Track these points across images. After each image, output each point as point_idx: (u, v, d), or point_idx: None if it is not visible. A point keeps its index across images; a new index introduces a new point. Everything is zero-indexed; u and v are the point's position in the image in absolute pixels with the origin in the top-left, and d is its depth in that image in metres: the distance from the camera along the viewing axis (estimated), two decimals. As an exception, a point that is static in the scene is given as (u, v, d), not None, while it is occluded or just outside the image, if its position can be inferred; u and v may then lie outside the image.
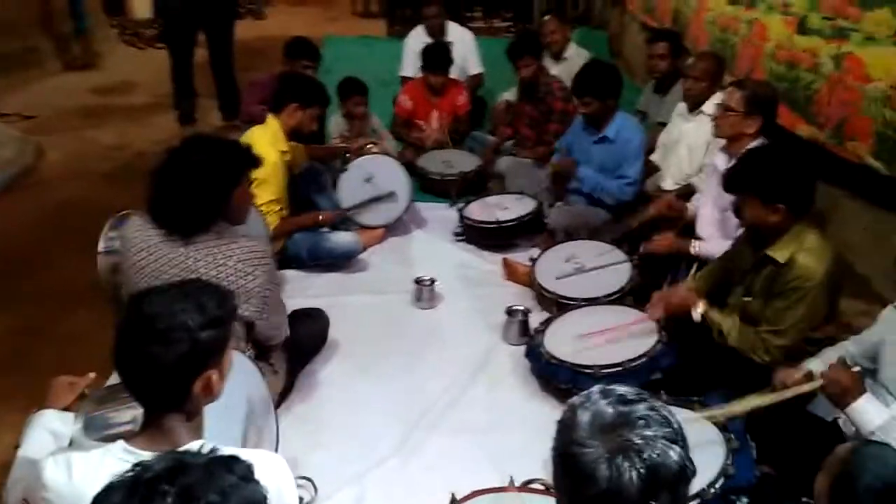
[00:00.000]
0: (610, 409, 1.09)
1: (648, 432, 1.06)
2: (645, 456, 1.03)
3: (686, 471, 1.06)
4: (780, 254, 2.23)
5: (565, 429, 1.11)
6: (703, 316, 2.41)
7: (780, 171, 2.21)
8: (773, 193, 2.19)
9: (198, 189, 2.10)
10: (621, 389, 1.14)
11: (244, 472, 1.00)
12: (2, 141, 4.83)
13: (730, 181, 2.36)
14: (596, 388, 1.15)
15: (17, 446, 1.73)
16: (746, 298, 2.37)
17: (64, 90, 6.34)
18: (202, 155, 2.15)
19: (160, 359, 1.31)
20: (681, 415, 1.22)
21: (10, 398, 2.55)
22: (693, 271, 2.68)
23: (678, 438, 1.07)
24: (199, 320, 1.34)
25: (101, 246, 2.70)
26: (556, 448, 1.12)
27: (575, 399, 1.15)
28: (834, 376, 1.86)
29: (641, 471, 1.02)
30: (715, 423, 2.06)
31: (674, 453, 1.05)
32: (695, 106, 3.55)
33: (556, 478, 1.12)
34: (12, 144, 4.85)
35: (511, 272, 3.44)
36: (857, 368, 1.91)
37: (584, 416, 1.09)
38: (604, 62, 3.90)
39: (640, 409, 1.09)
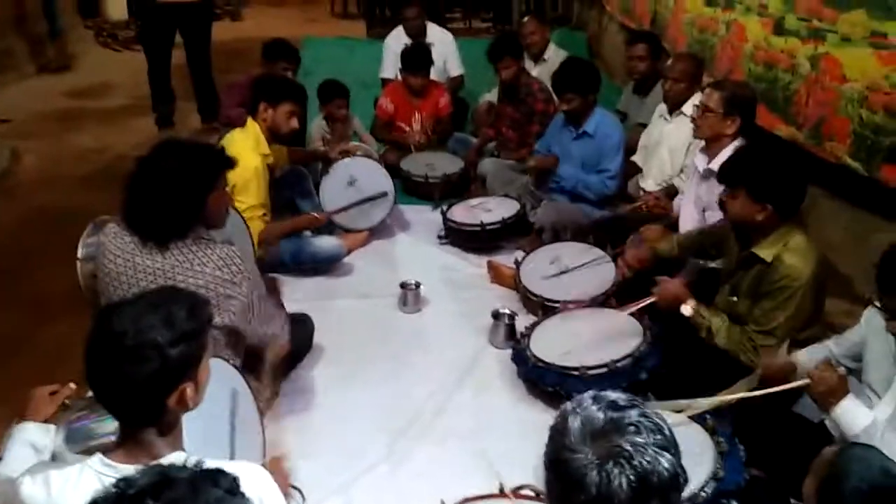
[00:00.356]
0: (601, 415, 1.09)
1: (639, 439, 1.06)
2: (635, 462, 1.03)
3: (678, 478, 1.07)
4: (766, 252, 2.25)
5: (557, 434, 1.11)
6: (691, 312, 2.42)
7: (775, 171, 2.24)
8: (763, 191, 2.21)
9: (172, 195, 2.05)
10: (613, 395, 1.14)
11: (230, 485, 0.99)
12: (-25, 146, 4.76)
13: (725, 172, 2.37)
14: (588, 393, 1.16)
15: (-2, 457, 1.71)
16: (733, 298, 2.40)
17: (39, 93, 6.25)
18: (174, 160, 2.10)
19: (131, 376, 1.28)
20: (670, 418, 1.22)
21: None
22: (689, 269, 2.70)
23: (670, 446, 1.07)
24: (169, 336, 1.30)
25: (80, 252, 2.66)
26: (547, 454, 1.12)
27: (567, 405, 1.15)
28: (821, 376, 1.88)
29: (631, 477, 1.03)
30: (704, 427, 2.08)
31: (665, 461, 1.05)
32: (675, 107, 3.58)
33: (548, 483, 1.12)
34: (-14, 149, 4.77)
35: (496, 275, 3.44)
36: (841, 369, 1.94)
37: (575, 422, 1.09)
38: (581, 59, 3.92)
39: (632, 415, 1.09)
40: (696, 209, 3.07)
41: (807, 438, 2.01)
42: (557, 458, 1.08)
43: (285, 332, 2.40)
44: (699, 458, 1.95)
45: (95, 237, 2.52)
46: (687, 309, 2.43)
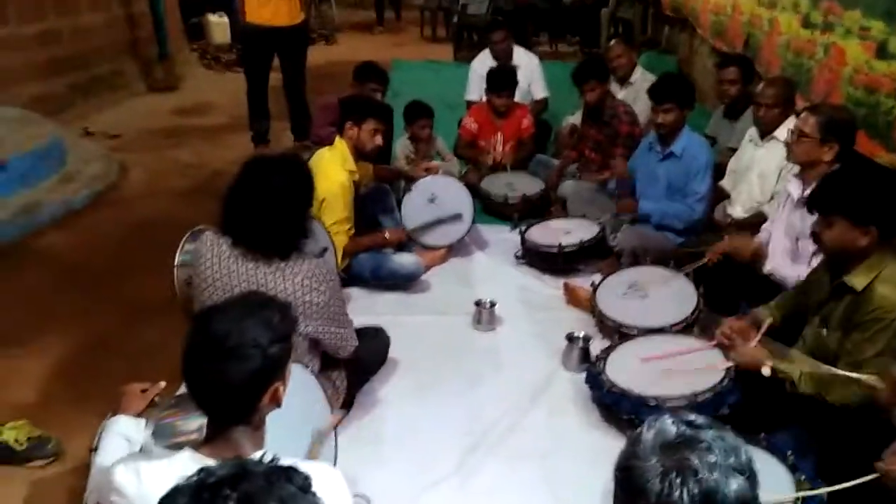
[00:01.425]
0: (674, 429, 1.09)
1: (710, 457, 1.04)
2: (700, 477, 1.02)
3: (746, 503, 1.04)
4: (857, 281, 2.13)
5: (630, 444, 1.12)
6: (770, 373, 2.30)
7: (872, 190, 2.11)
8: (865, 214, 2.09)
9: (284, 212, 2.17)
10: (692, 416, 1.14)
11: (302, 482, 1.02)
12: (89, 158, 5.12)
13: (815, 201, 2.25)
14: (670, 413, 1.16)
15: (92, 449, 1.82)
16: (823, 331, 2.28)
17: (147, 111, 6.66)
18: (281, 179, 2.20)
19: (233, 375, 1.35)
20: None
21: (87, 401, 2.68)
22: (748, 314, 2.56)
23: (744, 471, 1.05)
24: (269, 336, 1.39)
25: (177, 259, 2.83)
26: (617, 462, 1.13)
27: (647, 419, 1.16)
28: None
29: (695, 492, 1.01)
30: (783, 463, 1.99)
31: (735, 483, 1.03)
32: (767, 132, 3.46)
33: (615, 494, 1.12)
34: (98, 162, 5.12)
35: (573, 297, 3.41)
36: None
37: (648, 434, 1.10)
38: (679, 74, 3.86)
39: (707, 434, 1.08)
40: (787, 238, 2.94)
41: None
42: (625, 465, 1.09)
43: (354, 337, 2.45)
44: (779, 495, 1.86)
45: (192, 245, 2.67)
46: (766, 370, 2.29)
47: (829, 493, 1.89)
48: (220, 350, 1.36)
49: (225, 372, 1.35)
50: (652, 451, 1.07)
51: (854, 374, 2.05)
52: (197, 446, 1.42)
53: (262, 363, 1.37)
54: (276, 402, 1.43)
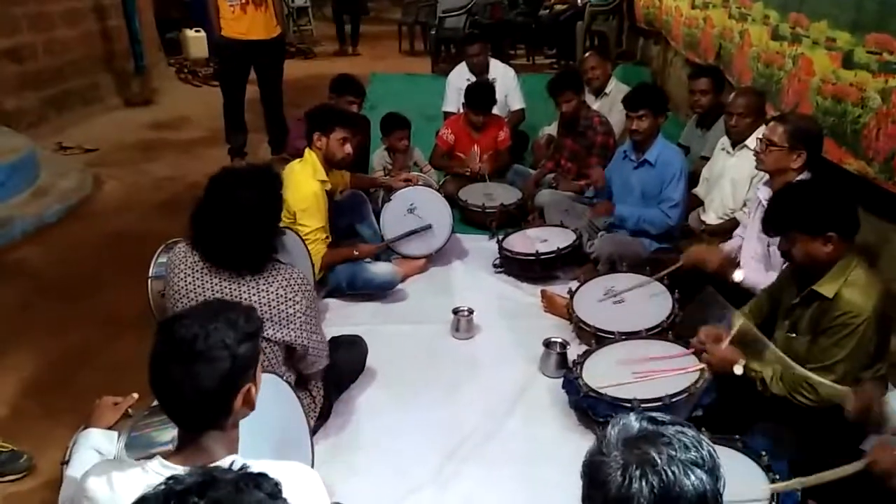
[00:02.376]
0: (637, 424, 1.13)
1: (670, 451, 1.07)
2: (658, 470, 1.05)
3: (705, 497, 1.06)
4: (826, 288, 2.17)
5: (596, 441, 1.15)
6: (742, 371, 2.32)
7: (819, 199, 2.17)
8: (817, 224, 2.14)
9: (251, 227, 2.14)
10: (657, 414, 1.16)
11: (272, 489, 1.02)
12: (63, 172, 5.08)
13: (769, 223, 2.30)
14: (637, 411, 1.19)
15: (63, 462, 1.80)
16: (791, 335, 2.32)
17: (123, 124, 6.61)
18: (248, 193, 2.15)
19: (203, 379, 1.33)
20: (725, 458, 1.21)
21: (59, 415, 2.65)
22: (728, 322, 2.57)
23: (704, 465, 1.08)
24: (235, 336, 1.37)
25: (151, 271, 2.82)
26: (584, 458, 1.16)
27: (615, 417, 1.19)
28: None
29: (654, 484, 1.04)
30: (758, 464, 2.01)
31: (694, 477, 1.05)
32: (738, 141, 3.53)
33: (582, 489, 1.15)
34: (73, 175, 5.08)
35: (550, 304, 3.43)
36: None
37: (613, 430, 1.14)
38: (652, 83, 3.92)
39: (669, 430, 1.11)
40: (760, 244, 2.98)
41: (870, 476, 1.90)
42: (590, 460, 1.13)
43: (327, 351, 2.43)
44: (753, 492, 1.87)
45: (166, 258, 2.65)
46: (738, 369, 2.32)
47: (804, 490, 1.91)
48: (189, 354, 1.34)
49: (195, 376, 1.33)
50: (615, 446, 1.10)
51: (827, 382, 2.07)
52: (167, 455, 1.40)
53: (232, 363, 1.36)
54: (249, 405, 1.42)
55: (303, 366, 2.37)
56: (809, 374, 2.14)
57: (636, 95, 3.62)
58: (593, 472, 1.11)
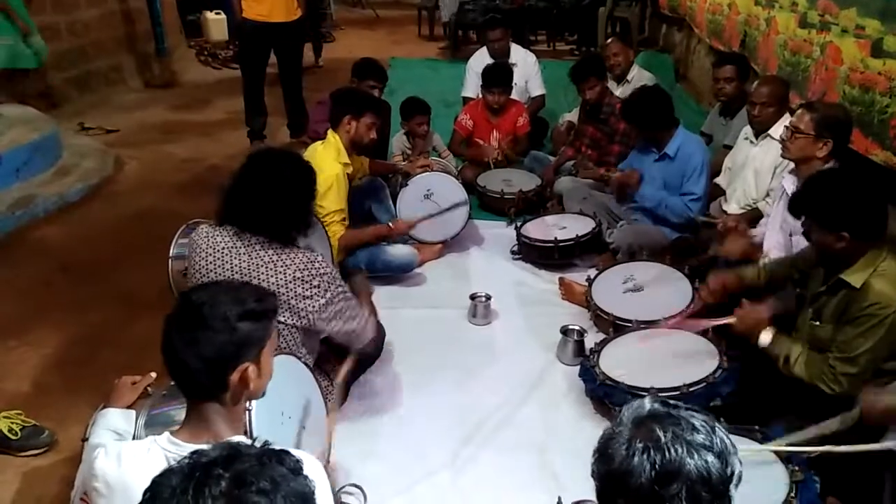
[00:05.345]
0: (649, 406, 1.16)
1: (677, 430, 1.10)
2: (662, 445, 1.08)
3: (709, 480, 1.07)
4: (855, 278, 2.14)
5: (612, 423, 1.19)
6: (769, 341, 2.32)
7: (841, 197, 2.14)
8: (834, 221, 2.12)
9: (292, 200, 2.23)
10: (672, 401, 1.18)
11: (294, 465, 1.03)
12: (85, 153, 5.12)
13: (793, 205, 2.29)
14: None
15: (83, 439, 1.83)
16: (815, 322, 2.29)
17: (145, 106, 6.65)
18: (290, 167, 2.28)
19: (202, 346, 1.39)
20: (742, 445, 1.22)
21: (80, 392, 2.69)
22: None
23: (713, 448, 1.09)
24: (237, 311, 1.42)
25: (172, 251, 2.84)
26: (599, 439, 1.19)
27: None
28: None
29: (656, 461, 1.07)
30: (778, 455, 2.00)
31: (699, 457, 1.07)
32: (761, 130, 3.47)
33: (592, 464, 1.18)
34: (94, 156, 5.12)
35: (568, 291, 3.42)
36: None
37: (627, 411, 1.18)
38: (648, 89, 3.81)
39: (680, 412, 1.14)
40: (782, 234, 2.95)
41: (885, 468, 1.88)
42: (602, 437, 1.17)
43: (370, 327, 2.44)
44: (773, 486, 1.86)
45: (187, 238, 2.67)
46: (766, 337, 2.32)
47: (823, 483, 1.90)
48: (193, 319, 1.41)
49: (195, 342, 1.39)
50: (625, 424, 1.14)
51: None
52: (175, 431, 1.43)
53: (229, 337, 1.40)
54: (245, 385, 1.44)
55: (346, 344, 2.41)
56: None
57: (626, 109, 3.64)
58: (602, 447, 1.15)
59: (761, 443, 2.07)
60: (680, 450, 1.07)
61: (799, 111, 2.88)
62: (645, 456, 1.08)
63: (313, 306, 2.23)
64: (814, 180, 2.31)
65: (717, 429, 1.12)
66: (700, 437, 1.09)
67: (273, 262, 2.21)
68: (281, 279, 2.20)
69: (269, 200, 2.20)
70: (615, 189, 3.80)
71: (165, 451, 1.38)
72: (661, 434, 1.09)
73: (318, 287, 2.23)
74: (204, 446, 1.06)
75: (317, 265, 2.24)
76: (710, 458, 1.08)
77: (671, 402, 1.17)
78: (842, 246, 2.13)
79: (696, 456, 1.07)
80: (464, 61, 5.64)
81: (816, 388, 2.18)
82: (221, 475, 0.96)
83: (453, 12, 8.57)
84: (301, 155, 2.44)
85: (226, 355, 1.41)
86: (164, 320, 1.44)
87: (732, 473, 1.10)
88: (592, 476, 1.17)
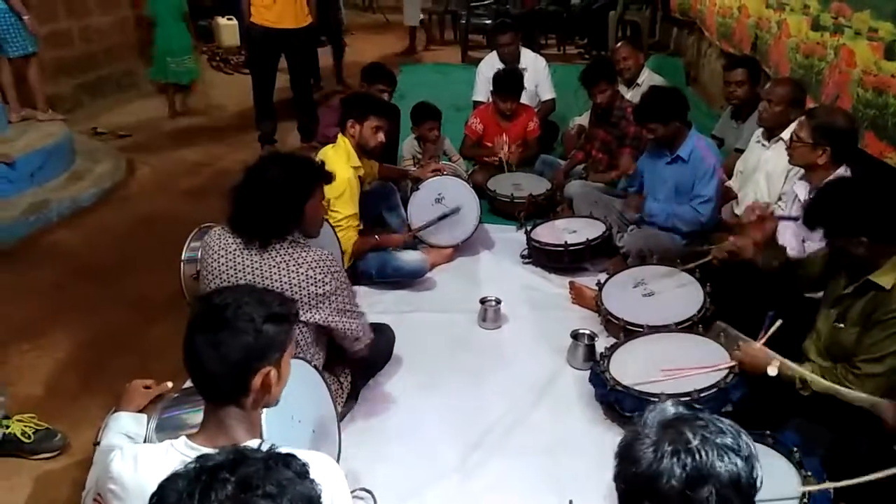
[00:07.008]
0: (673, 409, 1.15)
1: (706, 433, 1.09)
2: (693, 448, 1.07)
3: (739, 484, 1.06)
4: (884, 279, 2.12)
5: (634, 428, 1.17)
6: (777, 371, 2.26)
7: (853, 204, 2.12)
8: (849, 227, 2.11)
9: (274, 201, 2.23)
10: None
11: (300, 469, 1.03)
12: (98, 157, 5.16)
13: (807, 218, 2.28)
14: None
15: (96, 443, 1.83)
16: (839, 325, 2.27)
17: (156, 111, 6.69)
18: (277, 170, 2.30)
19: (226, 347, 1.38)
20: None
21: (93, 396, 2.71)
22: (768, 323, 2.51)
23: (740, 452, 1.08)
24: (263, 313, 1.42)
25: (184, 255, 2.85)
26: (619, 442, 1.17)
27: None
28: None
29: (686, 464, 1.05)
30: (789, 459, 1.98)
31: (728, 461, 1.06)
32: (771, 132, 3.45)
33: (614, 470, 1.16)
34: (107, 160, 5.16)
35: (578, 295, 3.40)
36: None
37: (650, 414, 1.16)
38: (663, 87, 3.81)
39: (705, 416, 1.12)
40: (794, 239, 2.93)
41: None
42: (624, 441, 1.15)
43: (367, 332, 2.47)
44: (785, 491, 1.85)
45: (199, 241, 2.69)
46: (773, 370, 2.27)
47: (836, 490, 1.88)
48: (217, 321, 1.40)
49: (219, 344, 1.38)
50: (650, 427, 1.12)
51: (864, 396, 2.03)
52: (192, 435, 1.43)
53: (255, 339, 1.40)
54: (267, 389, 1.43)
55: (346, 345, 2.43)
56: (843, 390, 2.10)
57: (641, 108, 3.56)
58: (626, 450, 1.12)
59: (772, 448, 2.06)
60: (711, 453, 1.06)
61: (801, 119, 2.87)
62: (675, 459, 1.06)
63: (323, 302, 2.26)
64: (823, 192, 2.30)
65: (742, 433, 1.11)
66: (728, 441, 1.08)
67: (286, 260, 2.24)
68: (294, 277, 2.22)
69: (259, 200, 2.23)
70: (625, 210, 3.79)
71: (182, 455, 1.37)
72: (690, 436, 1.08)
73: (329, 284, 2.26)
74: (208, 451, 1.06)
75: (328, 262, 2.28)
76: (739, 461, 1.07)
77: (692, 406, 1.16)
78: (862, 252, 2.12)
79: (725, 459, 1.06)
80: (474, 65, 5.64)
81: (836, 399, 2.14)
82: (227, 479, 0.96)
83: (420, 18, 8.63)
84: (303, 157, 2.47)
85: (250, 357, 1.40)
86: (186, 324, 1.42)
87: (756, 478, 1.09)
88: (615, 479, 1.15)
